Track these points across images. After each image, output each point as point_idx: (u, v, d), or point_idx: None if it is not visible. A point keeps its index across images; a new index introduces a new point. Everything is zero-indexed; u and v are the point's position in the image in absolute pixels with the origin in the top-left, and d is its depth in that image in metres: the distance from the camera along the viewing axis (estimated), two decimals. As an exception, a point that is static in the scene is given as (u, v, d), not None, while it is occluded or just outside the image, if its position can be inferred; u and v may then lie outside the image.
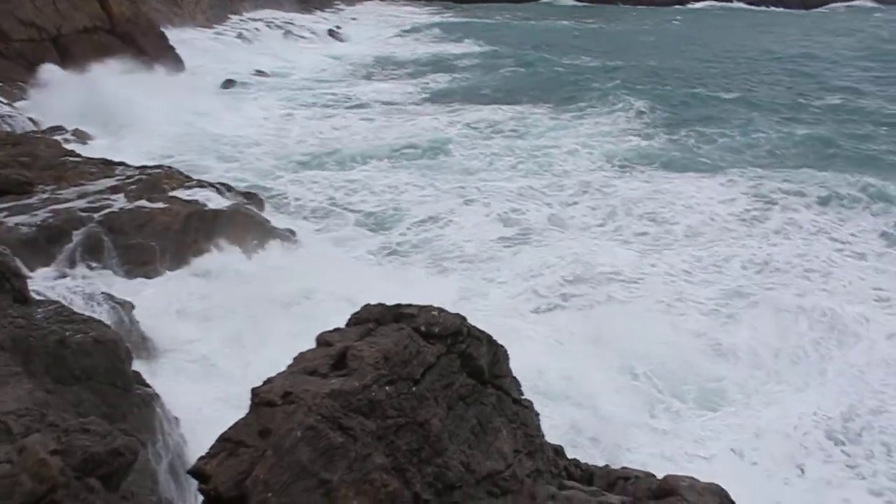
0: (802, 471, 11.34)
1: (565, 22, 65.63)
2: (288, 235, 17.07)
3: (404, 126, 29.33)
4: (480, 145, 26.76)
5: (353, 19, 63.19)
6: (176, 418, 9.10)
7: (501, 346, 6.79)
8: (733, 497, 6.62)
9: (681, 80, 38.87)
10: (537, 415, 7.01)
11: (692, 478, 6.94)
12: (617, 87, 35.92)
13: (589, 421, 11.51)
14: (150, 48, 34.74)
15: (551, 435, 7.54)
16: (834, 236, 19.56)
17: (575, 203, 21.58)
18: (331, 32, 55.18)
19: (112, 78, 28.07)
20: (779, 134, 28.26)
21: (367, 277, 15.69)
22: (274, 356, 6.82)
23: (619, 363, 13.09)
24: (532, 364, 11.16)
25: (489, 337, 6.67)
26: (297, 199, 21.14)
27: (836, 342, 14.45)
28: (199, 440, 7.95)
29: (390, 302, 6.72)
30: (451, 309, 6.76)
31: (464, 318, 6.52)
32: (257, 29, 49.16)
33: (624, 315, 14.81)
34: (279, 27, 51.89)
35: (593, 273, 16.70)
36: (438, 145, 26.41)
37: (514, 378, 6.89)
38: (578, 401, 11.90)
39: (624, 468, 7.63)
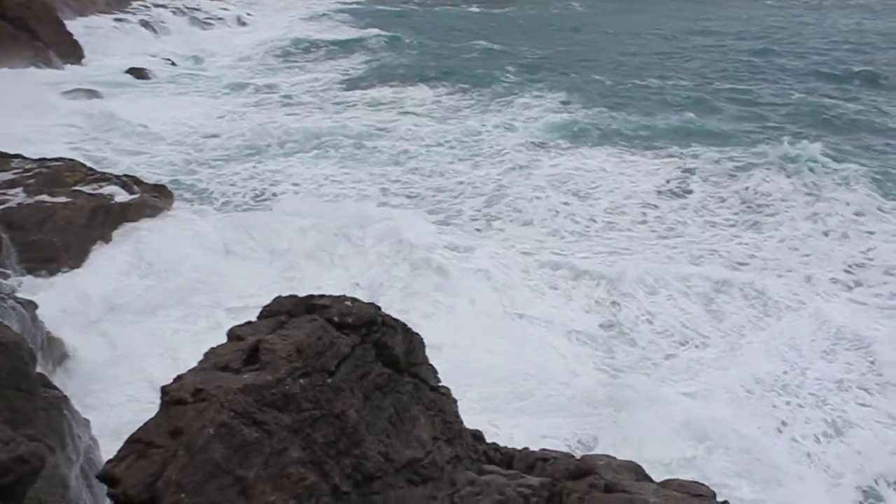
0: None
1: (474, 9, 65.65)
2: (199, 228, 16.71)
3: (326, 115, 28.95)
4: (406, 133, 26.65)
5: (255, 5, 61.44)
6: (86, 420, 8.79)
7: (417, 335, 6.77)
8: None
9: (592, 64, 39.48)
10: (455, 401, 7.02)
11: (609, 456, 7.08)
12: (528, 71, 36.31)
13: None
14: (46, 35, 33.18)
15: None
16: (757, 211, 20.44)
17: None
18: (239, 19, 53.90)
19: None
20: (689, 114, 28.97)
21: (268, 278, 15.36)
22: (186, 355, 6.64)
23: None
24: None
25: (404, 325, 6.63)
26: (210, 193, 20.66)
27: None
28: (110, 442, 7.70)
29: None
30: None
31: (378, 308, 6.47)
32: (162, 16, 47.64)
33: None
34: (184, 13, 50.42)
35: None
36: (361, 134, 26.21)
37: (431, 366, 6.88)
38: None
39: (543, 450, 7.72)
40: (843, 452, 11.72)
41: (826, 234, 19.19)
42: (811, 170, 22.35)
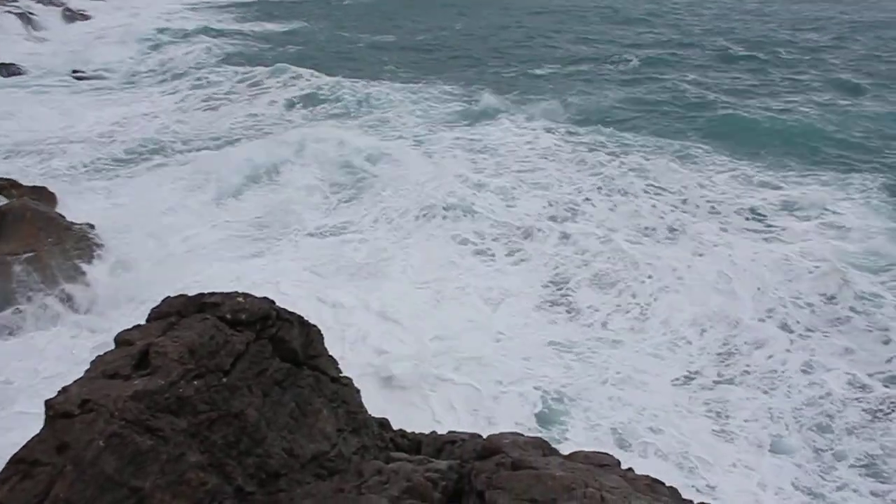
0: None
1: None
2: (87, 230, 16.01)
3: (228, 110, 28.24)
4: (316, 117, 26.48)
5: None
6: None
7: (314, 326, 6.62)
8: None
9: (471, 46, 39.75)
10: (358, 391, 6.91)
11: (515, 433, 7.11)
12: (411, 57, 36.32)
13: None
14: None
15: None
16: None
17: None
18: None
19: None
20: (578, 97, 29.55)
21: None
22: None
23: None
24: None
25: (300, 318, 6.48)
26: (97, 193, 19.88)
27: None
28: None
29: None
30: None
31: (272, 302, 6.30)
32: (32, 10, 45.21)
33: None
34: (56, 5, 48.00)
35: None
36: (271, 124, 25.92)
37: (331, 356, 6.75)
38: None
39: (451, 432, 7.71)
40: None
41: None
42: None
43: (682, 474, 10.97)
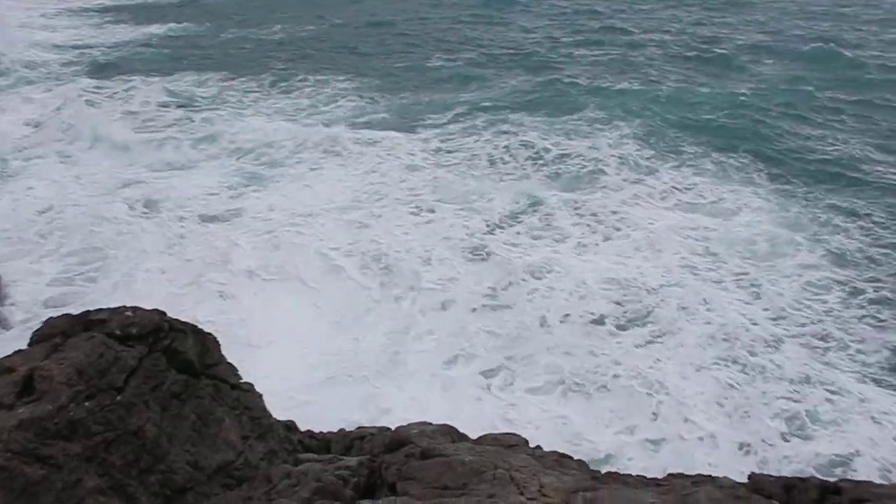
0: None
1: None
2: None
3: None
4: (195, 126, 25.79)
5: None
6: None
7: (209, 335, 6.45)
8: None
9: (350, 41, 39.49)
10: (260, 395, 6.79)
11: (424, 423, 7.13)
12: (304, 58, 35.74)
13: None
14: None
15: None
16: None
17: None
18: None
19: None
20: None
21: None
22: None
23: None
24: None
25: (194, 327, 6.30)
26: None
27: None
28: None
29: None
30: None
31: (163, 313, 6.10)
32: None
33: None
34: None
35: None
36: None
37: (229, 363, 6.60)
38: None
39: (360, 428, 7.67)
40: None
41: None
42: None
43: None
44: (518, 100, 27.90)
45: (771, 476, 5.80)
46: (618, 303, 15.81)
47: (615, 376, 13.62)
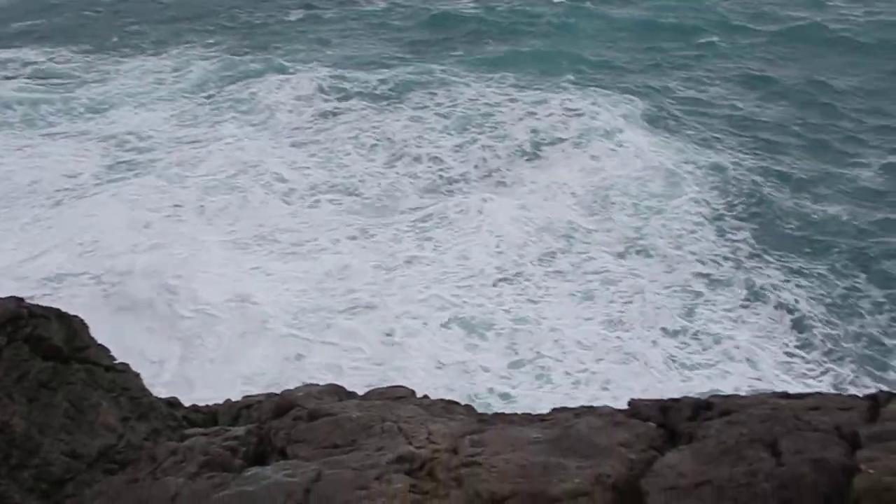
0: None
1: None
2: None
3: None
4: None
5: None
6: None
7: (76, 317, 6.19)
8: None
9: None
10: (138, 375, 6.58)
11: (310, 385, 7.09)
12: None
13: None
14: None
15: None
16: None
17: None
18: None
19: None
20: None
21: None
22: None
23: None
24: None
25: (58, 311, 6.02)
26: None
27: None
28: None
29: None
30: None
31: (20, 300, 5.79)
32: None
33: None
34: None
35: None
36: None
37: (101, 345, 6.35)
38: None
39: (246, 397, 7.55)
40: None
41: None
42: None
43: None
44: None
45: (648, 400, 6.05)
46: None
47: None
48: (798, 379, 13.46)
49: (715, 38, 27.53)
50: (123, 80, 25.90)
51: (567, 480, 4.67)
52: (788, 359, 13.96)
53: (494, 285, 15.40)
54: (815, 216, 17.57)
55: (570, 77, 24.54)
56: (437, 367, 13.04)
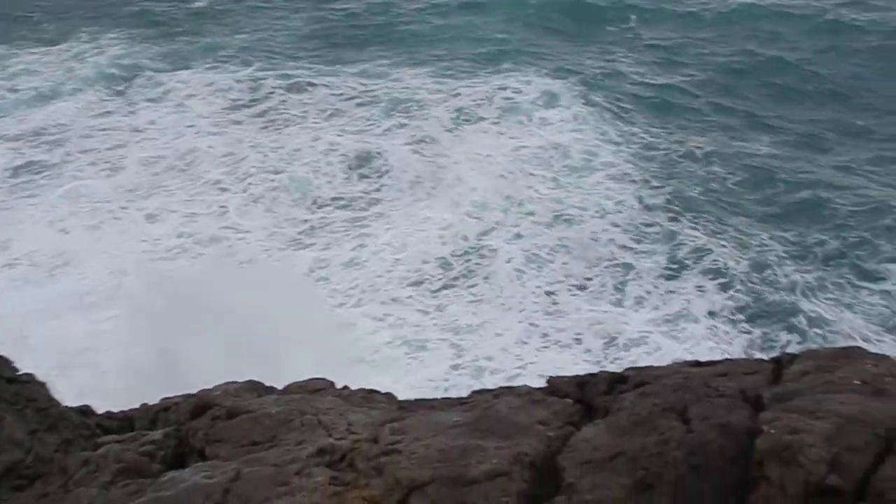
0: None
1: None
2: None
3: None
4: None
5: None
6: None
7: (-29, 330, 5.92)
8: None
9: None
10: (44, 384, 6.34)
11: (228, 382, 6.96)
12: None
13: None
14: None
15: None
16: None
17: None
18: None
19: None
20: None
21: None
22: None
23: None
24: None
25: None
26: None
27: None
28: None
29: None
30: None
31: None
32: None
33: None
34: None
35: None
36: None
37: (2, 357, 6.10)
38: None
39: (164, 399, 7.36)
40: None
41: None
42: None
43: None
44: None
45: (566, 377, 6.13)
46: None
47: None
48: (721, 344, 13.96)
49: (632, 15, 28.03)
50: (24, 75, 25.00)
51: (485, 462, 4.69)
52: (714, 323, 14.45)
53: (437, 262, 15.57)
54: (724, 184, 18.18)
55: (487, 58, 24.67)
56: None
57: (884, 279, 15.26)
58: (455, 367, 13.56)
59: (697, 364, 5.88)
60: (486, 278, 15.63)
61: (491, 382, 12.12)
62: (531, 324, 14.59)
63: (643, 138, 20.12)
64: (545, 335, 14.32)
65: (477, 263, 16.12)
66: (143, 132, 21.03)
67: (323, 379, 6.75)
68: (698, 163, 19.03)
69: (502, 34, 26.54)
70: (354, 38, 26.95)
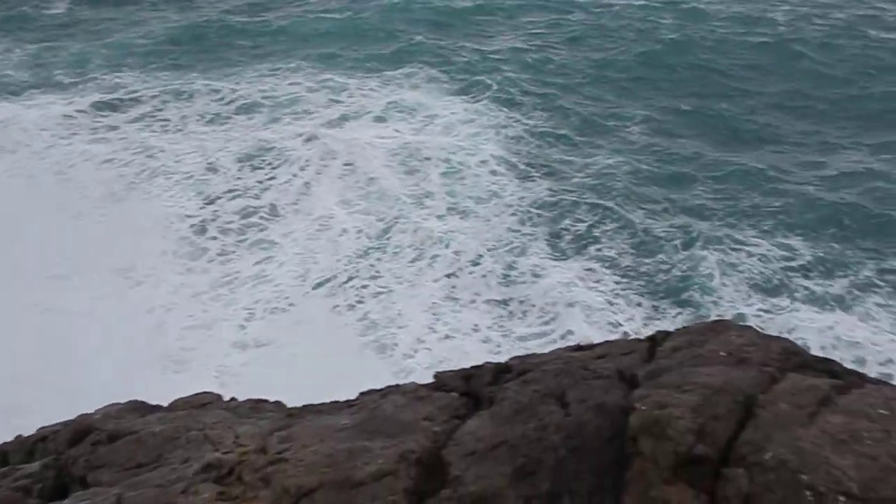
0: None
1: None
2: None
3: None
4: None
5: None
6: None
7: None
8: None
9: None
10: None
11: (109, 405, 6.75)
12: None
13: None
14: None
15: None
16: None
17: None
18: None
19: None
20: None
21: None
22: None
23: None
24: None
25: None
26: None
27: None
28: None
29: None
30: None
31: None
32: None
33: None
34: None
35: None
36: None
37: None
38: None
39: (41, 429, 7.05)
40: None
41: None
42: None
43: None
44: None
45: (452, 371, 6.18)
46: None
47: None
48: (612, 325, 14.35)
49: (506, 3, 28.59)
50: None
51: (371, 463, 4.69)
52: (606, 304, 14.84)
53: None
54: (596, 166, 18.84)
55: (371, 56, 24.68)
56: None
57: (755, 246, 16.13)
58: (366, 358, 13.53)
59: (579, 348, 6.03)
60: (380, 275, 15.59)
61: (400, 378, 12.15)
62: (434, 315, 14.66)
63: (527, 125, 20.65)
64: (448, 325, 14.43)
65: (377, 259, 16.10)
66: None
67: (209, 393, 6.62)
68: (578, 149, 19.63)
69: (384, 31, 26.58)
70: (226, 42, 26.53)
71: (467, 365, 6.36)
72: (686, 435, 4.03)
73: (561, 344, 13.08)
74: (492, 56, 24.90)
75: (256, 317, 14.71)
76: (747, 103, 21.69)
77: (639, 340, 5.94)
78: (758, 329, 5.47)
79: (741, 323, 13.39)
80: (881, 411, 4.31)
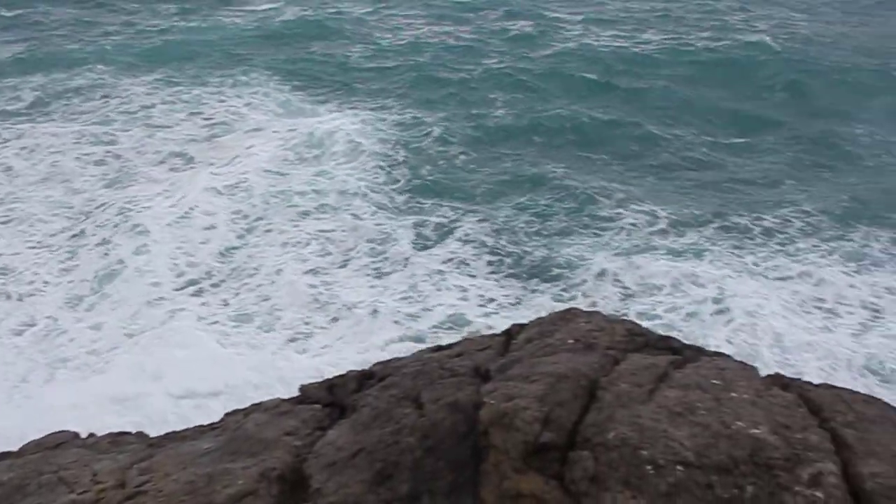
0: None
1: None
2: None
3: None
4: None
5: None
6: None
7: None
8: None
9: None
10: None
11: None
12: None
13: None
14: None
15: None
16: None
17: None
18: None
19: None
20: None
21: None
22: None
23: None
24: None
25: None
26: None
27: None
28: None
29: None
30: None
31: None
32: None
33: None
34: None
35: None
36: None
37: None
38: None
39: None
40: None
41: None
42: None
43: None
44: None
45: (316, 383, 6.15)
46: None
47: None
48: (493, 315, 14.49)
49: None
50: None
51: (231, 485, 4.63)
52: (485, 293, 14.97)
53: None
54: (461, 159, 19.23)
55: (225, 73, 24.30)
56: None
57: (615, 220, 16.78)
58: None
59: (438, 349, 6.12)
60: (250, 277, 15.21)
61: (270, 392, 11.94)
62: (305, 320, 14.40)
63: (395, 122, 20.94)
64: (320, 327, 14.20)
65: (245, 261, 15.70)
66: None
67: (65, 431, 6.34)
68: (445, 144, 19.93)
69: (238, 46, 26.32)
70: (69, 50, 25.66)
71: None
72: (533, 424, 4.16)
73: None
74: (344, 60, 25.21)
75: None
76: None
77: (495, 335, 6.08)
78: (604, 314, 5.69)
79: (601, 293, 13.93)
80: (714, 381, 4.58)
